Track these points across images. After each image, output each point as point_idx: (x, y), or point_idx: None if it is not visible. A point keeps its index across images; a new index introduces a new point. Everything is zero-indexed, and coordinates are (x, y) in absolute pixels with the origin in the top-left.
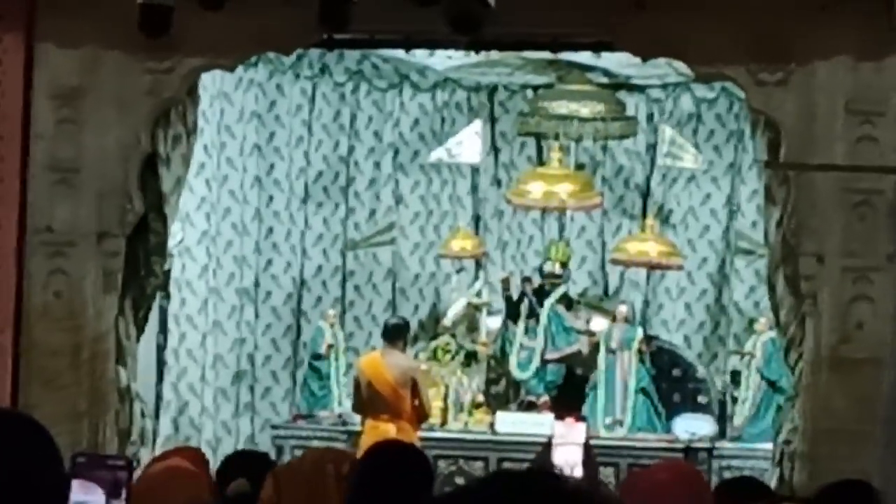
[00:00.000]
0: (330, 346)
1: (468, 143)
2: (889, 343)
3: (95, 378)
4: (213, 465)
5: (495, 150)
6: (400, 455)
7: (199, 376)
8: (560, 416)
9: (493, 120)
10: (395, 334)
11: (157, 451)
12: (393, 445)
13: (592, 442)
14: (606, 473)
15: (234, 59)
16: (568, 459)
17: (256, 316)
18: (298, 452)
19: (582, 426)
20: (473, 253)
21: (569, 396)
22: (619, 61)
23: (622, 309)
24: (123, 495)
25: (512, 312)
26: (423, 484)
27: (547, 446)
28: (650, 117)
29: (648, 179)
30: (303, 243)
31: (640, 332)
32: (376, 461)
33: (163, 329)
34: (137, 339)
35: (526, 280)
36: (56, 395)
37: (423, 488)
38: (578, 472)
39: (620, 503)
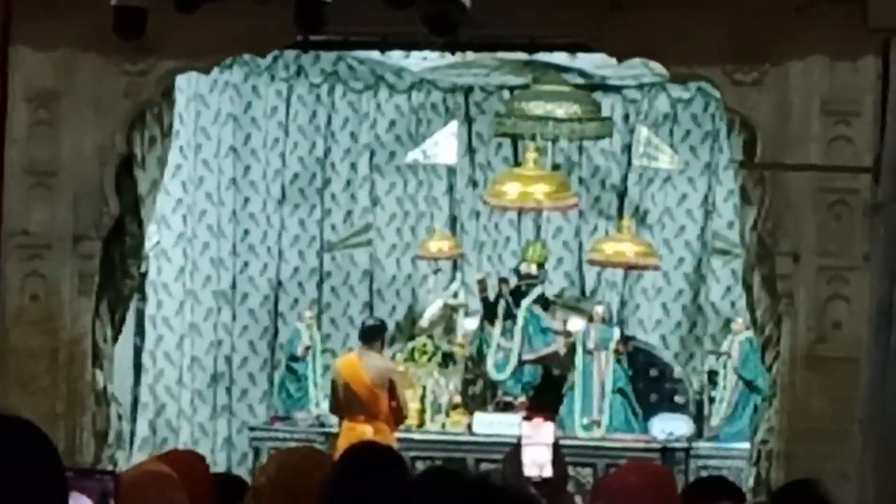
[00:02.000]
0: (307, 348)
1: (444, 145)
2: (866, 342)
3: (72, 381)
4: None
5: (471, 151)
6: (376, 457)
7: (176, 379)
8: (528, 417)
9: (469, 121)
10: (372, 335)
11: (135, 454)
12: (369, 447)
13: (570, 443)
14: (584, 474)
15: (210, 62)
16: (536, 460)
17: (233, 318)
18: None
19: (550, 426)
20: (450, 254)
21: (546, 397)
22: (594, 62)
23: (599, 309)
24: None
25: (489, 313)
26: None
27: (516, 447)
28: (626, 118)
29: (624, 180)
30: (279, 245)
31: (616, 333)
32: (353, 463)
33: (139, 332)
34: (114, 342)
35: (502, 281)
36: (33, 397)
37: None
38: (547, 472)
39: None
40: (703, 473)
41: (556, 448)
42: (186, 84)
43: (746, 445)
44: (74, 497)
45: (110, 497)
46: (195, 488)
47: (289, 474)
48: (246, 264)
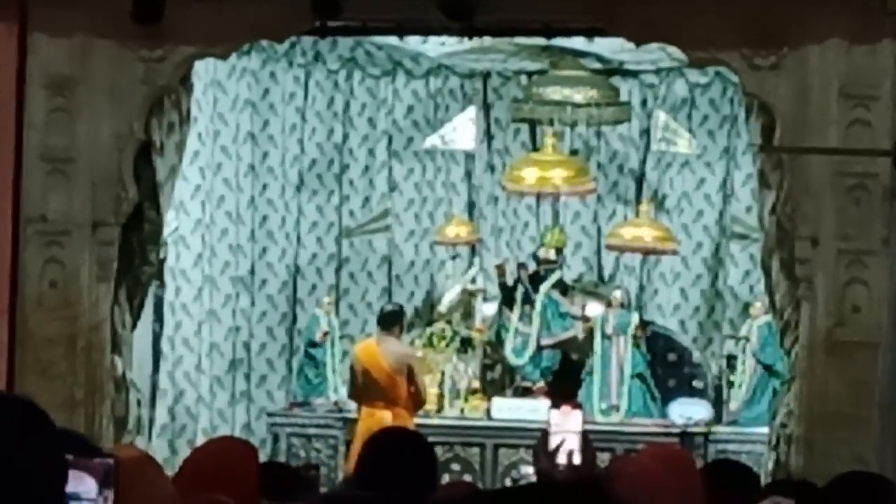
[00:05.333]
0: (325, 334)
1: (462, 130)
2: (884, 327)
3: (91, 367)
4: None
5: (489, 136)
6: (404, 441)
7: (195, 365)
8: (556, 405)
9: (486, 106)
10: (391, 321)
11: (154, 440)
12: (396, 432)
13: (588, 427)
14: (602, 459)
15: (227, 48)
16: (564, 448)
17: (252, 304)
18: (295, 440)
19: (578, 414)
20: (468, 239)
21: (565, 382)
22: (612, 47)
23: (617, 294)
24: (113, 485)
25: (507, 298)
26: (427, 470)
27: (545, 434)
28: (644, 103)
29: (643, 165)
30: (297, 231)
31: (635, 318)
32: (380, 447)
33: (158, 318)
34: (133, 328)
35: (521, 266)
36: (52, 384)
37: (428, 475)
38: (576, 460)
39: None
40: (722, 458)
41: (585, 436)
42: (204, 70)
43: (765, 430)
44: (79, 477)
45: (112, 476)
46: (242, 475)
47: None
48: (264, 250)
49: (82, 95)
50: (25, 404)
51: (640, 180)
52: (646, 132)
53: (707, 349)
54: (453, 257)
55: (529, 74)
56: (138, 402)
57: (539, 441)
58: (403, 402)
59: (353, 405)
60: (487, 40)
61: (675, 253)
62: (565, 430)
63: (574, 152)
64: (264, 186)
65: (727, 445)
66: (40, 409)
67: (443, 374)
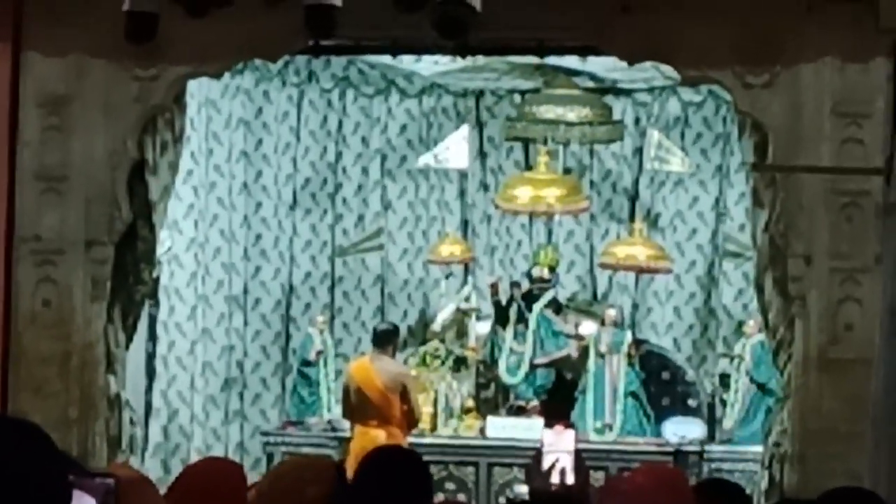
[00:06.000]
0: (319, 353)
1: (456, 149)
2: (877, 344)
3: (85, 386)
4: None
5: (483, 155)
6: (398, 459)
7: (189, 384)
8: (549, 424)
9: (480, 125)
10: (385, 340)
11: (147, 459)
12: (391, 450)
13: (582, 446)
14: (596, 477)
15: (221, 67)
16: (558, 467)
17: (245, 323)
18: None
19: (571, 433)
20: (462, 258)
21: (558, 401)
22: (605, 65)
23: (611, 313)
24: None
25: (501, 317)
26: (422, 489)
27: (539, 453)
28: (637, 121)
29: (636, 183)
30: (291, 250)
31: (629, 336)
32: (375, 466)
33: (152, 337)
34: (126, 347)
35: (514, 285)
36: (46, 402)
37: (422, 493)
38: (570, 480)
39: None
40: (716, 476)
41: (578, 455)
42: (198, 89)
43: (759, 448)
44: (79, 497)
45: (112, 496)
46: (230, 493)
47: (280, 490)
48: (258, 269)
49: (76, 114)
50: (29, 427)
51: (633, 199)
52: (639, 151)
53: (701, 367)
54: (447, 276)
55: (523, 93)
56: (132, 421)
57: (532, 460)
58: (397, 421)
59: (346, 424)
60: (481, 59)
61: (668, 271)
62: (558, 449)
63: (567, 171)
64: (258, 205)
65: (721, 464)
66: (44, 432)
67: (437, 392)
